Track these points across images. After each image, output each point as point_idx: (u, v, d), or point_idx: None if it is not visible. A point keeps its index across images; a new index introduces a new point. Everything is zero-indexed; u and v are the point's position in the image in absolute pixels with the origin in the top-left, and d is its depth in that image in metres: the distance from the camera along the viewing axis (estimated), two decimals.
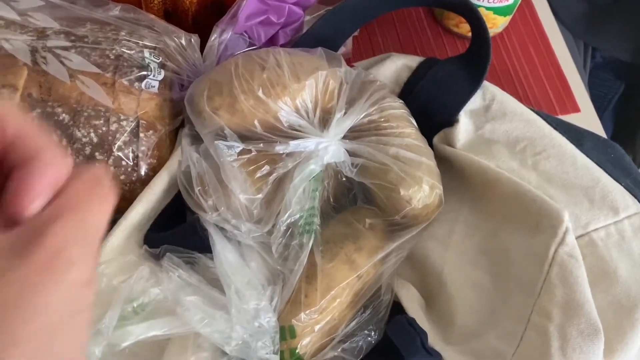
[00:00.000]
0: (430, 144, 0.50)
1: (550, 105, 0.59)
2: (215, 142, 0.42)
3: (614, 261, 0.44)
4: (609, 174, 0.48)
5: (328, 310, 0.41)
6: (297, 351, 0.40)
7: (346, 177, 0.46)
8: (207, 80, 0.45)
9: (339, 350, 0.40)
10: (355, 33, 0.62)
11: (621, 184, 0.48)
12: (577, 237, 0.45)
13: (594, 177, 0.47)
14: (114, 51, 0.45)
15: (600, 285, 0.43)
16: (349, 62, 0.57)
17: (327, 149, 0.44)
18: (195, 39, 0.49)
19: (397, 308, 0.44)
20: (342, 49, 0.60)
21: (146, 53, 0.46)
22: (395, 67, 0.53)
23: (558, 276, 0.39)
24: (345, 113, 0.46)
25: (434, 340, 0.41)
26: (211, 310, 0.38)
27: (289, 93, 0.44)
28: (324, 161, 0.44)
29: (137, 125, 0.44)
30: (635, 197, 0.47)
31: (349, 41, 0.60)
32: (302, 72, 0.45)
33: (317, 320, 0.40)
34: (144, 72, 0.45)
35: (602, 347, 0.37)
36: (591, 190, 0.47)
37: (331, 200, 0.46)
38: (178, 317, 0.37)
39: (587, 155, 0.49)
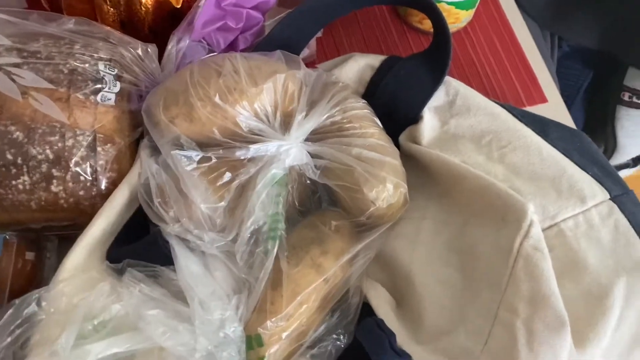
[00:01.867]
0: (397, 143, 0.50)
1: (517, 96, 0.59)
2: (172, 151, 0.41)
3: (583, 251, 0.44)
4: (576, 163, 0.48)
5: (295, 316, 0.40)
6: None
7: (310, 179, 0.45)
8: (163, 89, 0.44)
9: (308, 356, 0.40)
10: (319, 34, 0.61)
11: (588, 173, 0.47)
12: (546, 229, 0.45)
13: (560, 167, 0.47)
14: (67, 65, 0.45)
15: (571, 276, 0.43)
16: (314, 64, 0.56)
17: (289, 151, 0.44)
18: (152, 48, 0.49)
19: (367, 309, 0.44)
20: (306, 51, 0.59)
21: (101, 66, 0.45)
22: (358, 67, 0.52)
23: (523, 270, 0.38)
24: (306, 115, 0.45)
25: (404, 341, 0.40)
26: (174, 323, 0.38)
27: (247, 98, 0.43)
28: (286, 164, 0.43)
29: (94, 139, 0.44)
30: (603, 185, 0.47)
31: (313, 43, 0.60)
32: (259, 76, 0.44)
33: (284, 328, 0.40)
34: (99, 85, 0.45)
35: (569, 339, 0.36)
36: (558, 181, 0.46)
37: (296, 204, 0.46)
38: (140, 332, 0.37)
39: (554, 146, 0.49)
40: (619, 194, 0.47)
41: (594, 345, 0.41)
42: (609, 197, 0.46)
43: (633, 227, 0.46)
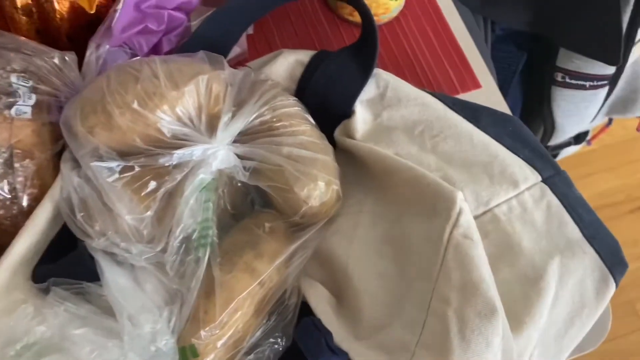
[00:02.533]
0: (333, 138, 0.49)
1: (451, 84, 0.59)
2: (91, 163, 0.40)
3: (518, 234, 0.45)
4: (508, 148, 0.48)
5: (230, 323, 0.39)
6: None
7: (242, 182, 0.44)
8: (80, 99, 0.42)
9: None
10: (250, 31, 0.60)
11: (520, 156, 0.48)
12: (480, 215, 0.45)
13: (491, 152, 0.47)
14: None
15: (506, 260, 0.44)
16: (245, 62, 0.55)
17: (216, 154, 0.43)
18: (70, 57, 0.47)
19: (307, 310, 0.43)
20: (237, 49, 0.58)
21: (13, 78, 0.43)
22: (288, 63, 0.52)
23: (454, 259, 0.38)
24: (233, 116, 0.44)
25: (343, 338, 0.40)
26: (103, 340, 0.36)
27: (168, 102, 0.42)
28: (213, 168, 0.42)
29: (11, 156, 0.42)
30: (534, 167, 0.48)
31: (243, 40, 0.58)
32: (180, 79, 0.43)
33: (219, 336, 0.39)
34: (12, 99, 0.43)
35: (500, 325, 0.36)
36: (490, 166, 0.47)
37: (229, 208, 0.45)
38: (66, 353, 0.35)
39: (485, 132, 0.49)
40: (551, 175, 0.48)
41: (530, 327, 0.41)
42: (540, 179, 0.47)
43: (565, 207, 0.46)
